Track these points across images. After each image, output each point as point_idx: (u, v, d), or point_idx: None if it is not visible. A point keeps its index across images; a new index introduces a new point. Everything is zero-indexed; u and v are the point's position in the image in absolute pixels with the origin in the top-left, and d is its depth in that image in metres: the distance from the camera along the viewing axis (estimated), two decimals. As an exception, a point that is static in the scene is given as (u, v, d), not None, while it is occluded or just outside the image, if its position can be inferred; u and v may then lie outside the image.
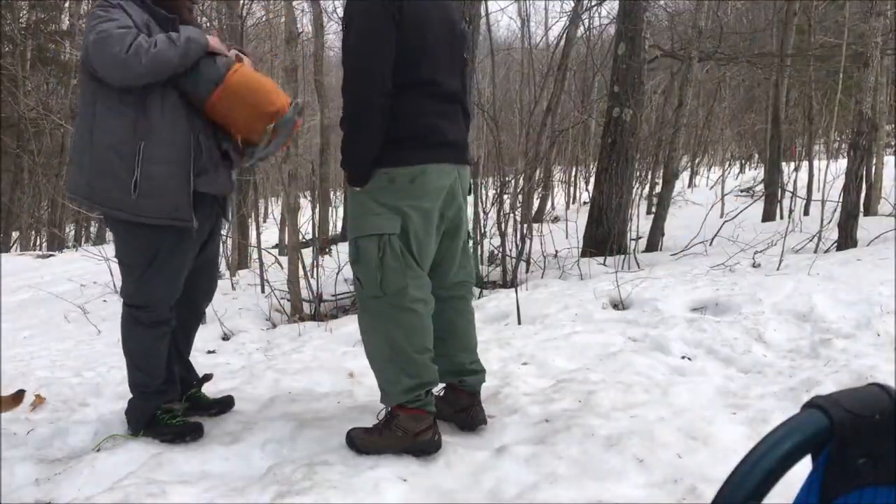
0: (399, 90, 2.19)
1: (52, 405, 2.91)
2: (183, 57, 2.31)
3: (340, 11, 20.85)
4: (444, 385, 2.53)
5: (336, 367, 3.23)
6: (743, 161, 23.00)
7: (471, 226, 2.53)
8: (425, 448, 2.23)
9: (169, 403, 2.57)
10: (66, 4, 18.23)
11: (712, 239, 6.57)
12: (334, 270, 5.58)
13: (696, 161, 19.26)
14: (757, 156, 20.70)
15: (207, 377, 2.80)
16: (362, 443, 2.30)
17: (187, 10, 2.50)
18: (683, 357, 3.17)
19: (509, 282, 5.41)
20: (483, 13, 5.92)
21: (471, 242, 2.54)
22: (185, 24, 2.45)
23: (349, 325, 4.23)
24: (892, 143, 17.55)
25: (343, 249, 6.52)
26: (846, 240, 5.77)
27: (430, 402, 2.29)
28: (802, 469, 0.57)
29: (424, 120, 2.23)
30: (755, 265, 4.90)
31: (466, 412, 2.47)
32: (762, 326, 3.33)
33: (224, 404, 2.75)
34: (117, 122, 2.31)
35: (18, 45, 17.03)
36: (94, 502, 2.11)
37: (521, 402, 2.68)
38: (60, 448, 2.54)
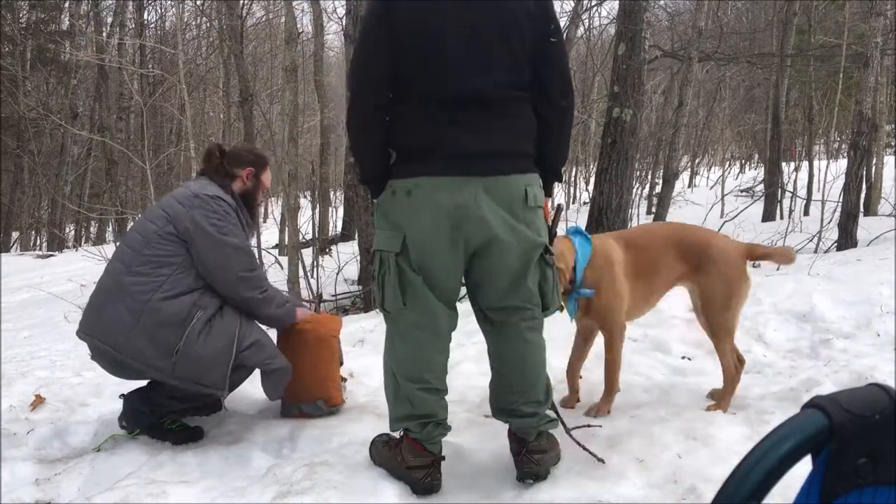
0: (399, 98, 2.04)
1: (52, 405, 2.91)
2: (273, 317, 2.62)
3: (341, 11, 20.86)
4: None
5: (336, 367, 3.22)
6: (743, 161, 23.01)
7: (545, 241, 2.13)
8: (414, 485, 2.08)
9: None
10: (66, 4, 18.22)
11: (712, 239, 6.56)
12: (334, 270, 5.58)
13: (696, 161, 19.27)
14: (757, 156, 20.71)
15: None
16: (374, 450, 2.25)
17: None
18: (683, 357, 3.16)
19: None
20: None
21: (547, 260, 2.13)
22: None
23: (349, 326, 4.23)
24: (892, 143, 17.55)
25: (343, 250, 6.53)
26: (846, 240, 5.77)
27: (429, 437, 2.09)
28: (802, 469, 0.57)
29: (423, 129, 2.01)
30: (755, 265, 4.90)
31: (517, 458, 2.14)
32: (762, 326, 3.33)
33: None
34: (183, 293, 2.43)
35: (18, 45, 17.03)
36: (94, 502, 2.11)
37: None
38: (60, 448, 2.54)
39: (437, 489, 2.09)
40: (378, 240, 2.12)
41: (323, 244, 7.52)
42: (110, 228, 17.62)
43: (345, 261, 5.70)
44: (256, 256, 2.60)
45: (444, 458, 2.14)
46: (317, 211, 7.34)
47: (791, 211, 8.08)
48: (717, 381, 2.82)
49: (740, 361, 2.66)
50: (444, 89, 1.99)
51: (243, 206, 2.62)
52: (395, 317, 2.11)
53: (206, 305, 2.42)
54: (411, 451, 2.10)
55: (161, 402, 2.50)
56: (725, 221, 7.02)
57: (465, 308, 4.50)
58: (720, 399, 2.57)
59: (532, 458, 2.10)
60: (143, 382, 2.55)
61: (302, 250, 5.29)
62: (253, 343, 2.48)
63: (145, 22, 19.12)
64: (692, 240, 2.62)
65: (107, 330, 2.39)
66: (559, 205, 2.40)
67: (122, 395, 2.59)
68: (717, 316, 2.57)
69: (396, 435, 2.20)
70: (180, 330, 2.36)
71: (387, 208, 2.08)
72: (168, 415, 2.54)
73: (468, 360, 3.21)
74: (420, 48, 1.98)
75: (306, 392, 2.67)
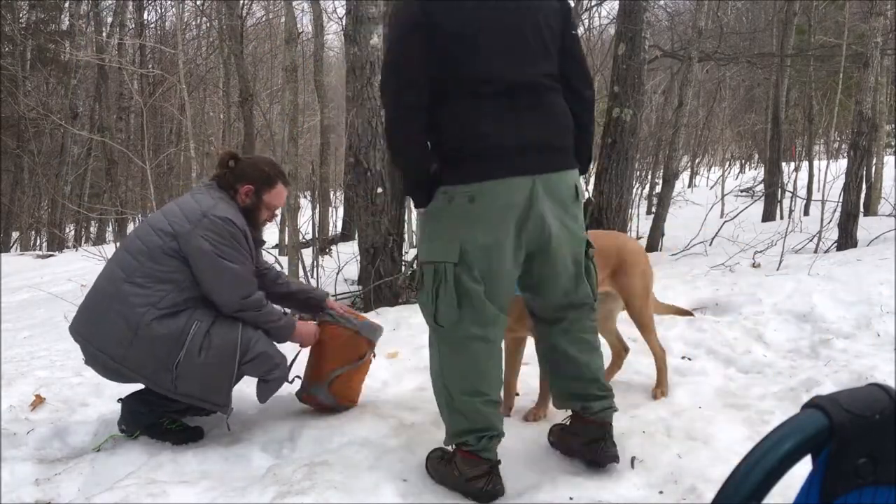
0: (441, 97, 1.96)
1: (52, 405, 2.91)
2: (272, 332, 2.56)
3: (341, 11, 20.85)
4: (568, 414, 2.27)
5: (336, 367, 3.22)
6: (743, 161, 23.00)
7: (584, 237, 2.18)
8: (478, 497, 2.02)
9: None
10: (66, 4, 18.22)
11: (712, 239, 6.57)
12: (334, 270, 5.58)
13: (696, 161, 19.26)
14: (757, 156, 20.70)
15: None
16: (431, 465, 2.17)
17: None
18: (683, 357, 3.16)
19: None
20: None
21: (590, 255, 2.18)
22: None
23: (349, 325, 4.23)
24: (893, 143, 17.55)
25: (343, 250, 6.53)
26: (846, 240, 5.77)
27: (486, 448, 2.04)
28: (802, 469, 0.57)
29: (476, 127, 1.95)
30: (755, 265, 4.90)
31: (596, 445, 2.12)
32: (762, 326, 3.33)
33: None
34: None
35: (18, 45, 17.03)
36: (94, 502, 2.11)
37: (521, 403, 2.68)
38: (60, 448, 2.54)
39: (502, 493, 2.03)
40: (430, 250, 2.03)
41: (323, 244, 7.52)
42: (110, 228, 17.62)
43: (345, 261, 5.69)
44: (256, 282, 2.57)
45: (499, 461, 2.07)
46: (317, 211, 7.34)
47: (791, 211, 8.07)
48: (718, 382, 2.83)
49: (625, 349, 2.92)
50: (486, 81, 1.95)
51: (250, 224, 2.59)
52: (449, 330, 2.02)
53: (203, 318, 2.42)
54: (467, 462, 2.04)
55: (160, 402, 2.49)
56: (725, 221, 7.02)
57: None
58: (660, 385, 2.73)
59: (614, 441, 2.13)
60: (141, 385, 2.55)
61: (302, 250, 5.29)
62: (256, 357, 2.48)
63: (145, 22, 19.13)
64: (606, 244, 2.59)
65: (104, 339, 2.40)
66: (589, 198, 2.42)
67: (120, 399, 2.59)
68: (642, 310, 2.72)
69: (450, 448, 2.14)
70: (179, 343, 2.36)
71: (441, 216, 1.99)
72: (167, 415, 2.54)
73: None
74: (466, 46, 1.95)
75: (325, 380, 2.67)
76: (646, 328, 2.74)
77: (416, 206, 2.09)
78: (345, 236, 9.63)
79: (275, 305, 2.66)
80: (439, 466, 2.14)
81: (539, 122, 2.00)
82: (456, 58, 1.94)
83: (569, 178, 2.05)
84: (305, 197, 8.68)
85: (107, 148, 15.39)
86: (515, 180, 1.94)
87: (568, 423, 2.27)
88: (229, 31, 12.30)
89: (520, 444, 2.33)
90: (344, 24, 6.31)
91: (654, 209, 8.48)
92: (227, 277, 2.44)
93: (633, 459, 2.15)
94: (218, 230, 2.41)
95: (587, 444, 2.14)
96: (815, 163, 11.68)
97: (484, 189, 1.93)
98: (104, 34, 17.25)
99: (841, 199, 6.00)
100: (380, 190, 4.91)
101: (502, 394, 2.20)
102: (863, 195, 7.17)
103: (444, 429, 2.13)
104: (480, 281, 1.97)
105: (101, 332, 2.41)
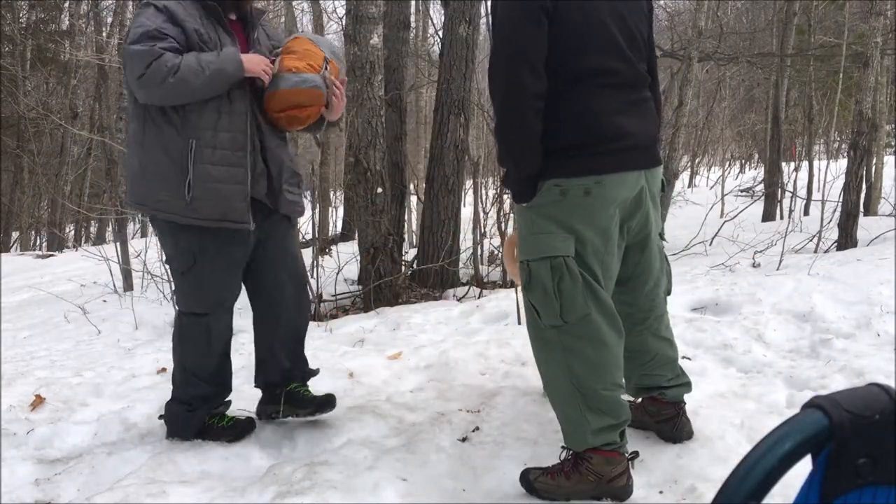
0: (561, 86, 1.90)
1: (52, 405, 2.91)
2: (206, 87, 2.20)
3: (341, 11, 20.83)
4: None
5: (336, 367, 3.23)
6: (743, 161, 23.00)
7: (662, 228, 2.23)
8: (618, 495, 1.97)
9: (217, 409, 2.55)
10: (66, 4, 18.22)
11: (712, 239, 6.57)
12: (334, 270, 5.58)
13: (696, 161, 19.26)
14: (757, 156, 20.71)
15: (313, 372, 2.68)
16: (544, 487, 2.01)
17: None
18: (683, 357, 3.16)
19: (509, 282, 5.41)
20: (483, 13, 5.91)
21: (664, 245, 2.24)
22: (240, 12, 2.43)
23: (349, 326, 4.23)
24: (893, 143, 17.55)
25: (343, 250, 6.53)
26: (846, 240, 5.77)
27: (625, 443, 2.01)
28: (802, 469, 0.57)
29: (598, 119, 1.91)
30: (755, 265, 4.90)
31: (671, 422, 2.24)
32: (762, 326, 3.33)
33: (321, 406, 2.50)
34: (168, 125, 2.27)
35: (18, 45, 17.03)
36: (94, 502, 2.11)
37: (521, 402, 2.68)
38: (60, 448, 2.54)
39: (633, 488, 2.00)
40: (544, 245, 1.94)
41: (323, 244, 7.52)
42: (110, 228, 17.61)
43: (345, 261, 5.69)
44: (155, 48, 2.15)
45: (634, 453, 2.07)
46: (317, 211, 7.34)
47: (791, 211, 8.08)
48: (718, 382, 2.82)
49: None
50: (609, 72, 1.94)
51: None
52: (578, 325, 1.94)
53: (200, 134, 2.26)
54: (608, 462, 1.96)
55: (187, 389, 2.49)
56: (725, 221, 7.02)
57: (466, 308, 4.50)
58: None
59: (689, 418, 2.27)
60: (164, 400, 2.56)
61: (302, 250, 5.28)
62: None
63: (145, 22, 19.07)
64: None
65: (130, 189, 2.40)
66: None
67: (160, 417, 2.60)
68: None
69: (557, 460, 2.06)
70: (182, 161, 2.24)
71: (553, 210, 1.93)
72: (207, 410, 2.52)
73: (469, 360, 3.21)
74: (588, 37, 1.92)
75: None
76: None
77: (519, 202, 2.00)
78: (345, 236, 9.62)
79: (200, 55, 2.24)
80: (557, 481, 2.00)
81: (647, 117, 2.04)
82: (578, 48, 1.91)
83: (661, 172, 2.15)
84: (305, 197, 8.67)
85: (107, 148, 15.36)
86: (630, 175, 1.96)
87: (639, 401, 2.35)
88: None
89: (521, 443, 2.33)
90: (344, 24, 6.31)
91: (654, 209, 8.46)
92: (127, 56, 2.18)
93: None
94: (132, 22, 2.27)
95: (661, 421, 2.27)
96: (815, 163, 11.68)
97: (603, 182, 1.91)
98: (104, 34, 17.24)
99: (841, 199, 6.00)
100: (380, 190, 4.91)
101: None
102: (863, 195, 7.16)
103: (568, 436, 2.03)
104: (598, 273, 1.96)
105: (129, 185, 2.41)
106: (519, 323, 3.97)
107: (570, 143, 1.91)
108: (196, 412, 2.50)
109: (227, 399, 2.61)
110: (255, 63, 2.29)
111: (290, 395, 2.53)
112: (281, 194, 2.42)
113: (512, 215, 6.04)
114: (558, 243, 1.92)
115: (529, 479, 2.04)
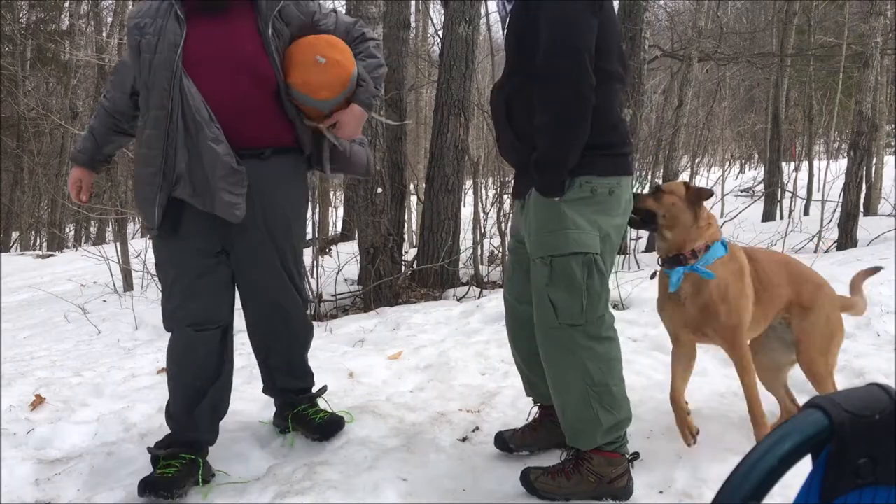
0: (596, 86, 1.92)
1: (52, 405, 2.91)
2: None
3: (341, 11, 20.80)
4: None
5: (336, 367, 3.23)
6: (743, 161, 22.99)
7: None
8: (619, 495, 1.98)
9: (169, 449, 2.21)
10: (66, 4, 18.22)
11: (712, 239, 6.55)
12: (334, 270, 5.58)
13: (696, 161, 19.25)
14: (757, 156, 20.71)
15: (321, 391, 2.57)
16: (545, 487, 2.01)
17: None
18: (683, 357, 3.16)
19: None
20: (483, 13, 5.91)
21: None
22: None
23: (349, 325, 4.23)
24: (893, 143, 17.55)
25: (343, 250, 6.53)
26: (846, 240, 5.77)
27: (626, 442, 2.04)
28: (802, 469, 0.57)
29: (619, 122, 1.99)
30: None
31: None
32: (762, 326, 3.33)
33: (327, 433, 2.44)
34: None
35: (18, 45, 17.04)
36: (94, 502, 2.11)
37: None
38: (60, 448, 2.54)
39: (633, 489, 2.02)
40: (574, 241, 1.91)
41: (323, 244, 7.52)
42: (110, 228, 17.62)
43: (345, 261, 5.70)
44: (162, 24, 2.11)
45: (634, 454, 2.09)
46: (317, 211, 7.34)
47: (791, 211, 8.08)
48: (718, 382, 2.82)
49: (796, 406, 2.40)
50: (622, 79, 2.00)
51: None
52: (597, 323, 1.95)
53: (139, 134, 2.22)
54: (609, 463, 1.98)
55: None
56: (725, 221, 7.02)
57: (466, 308, 4.49)
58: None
59: None
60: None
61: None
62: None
63: (145, 22, 19.08)
64: (801, 271, 2.33)
65: None
66: None
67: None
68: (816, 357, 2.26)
69: (556, 460, 2.08)
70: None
71: (583, 206, 1.92)
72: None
73: (469, 360, 3.21)
74: (614, 41, 1.96)
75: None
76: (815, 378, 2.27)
77: (552, 195, 1.93)
78: (345, 236, 9.62)
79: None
80: (558, 481, 2.01)
81: None
82: (607, 51, 1.93)
83: None
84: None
85: (107, 148, 15.38)
86: (630, 178, 2.04)
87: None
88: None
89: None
90: (344, 24, 6.30)
91: (654, 209, 8.46)
92: None
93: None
94: None
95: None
96: (815, 163, 11.69)
97: (621, 184, 1.96)
98: (104, 34, 17.25)
99: (841, 199, 6.00)
100: (380, 190, 4.91)
101: None
102: (863, 195, 7.17)
103: (577, 435, 2.01)
104: (608, 271, 1.99)
105: None
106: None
107: (601, 141, 1.92)
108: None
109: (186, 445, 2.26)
110: (70, 182, 2.45)
111: (298, 418, 2.49)
112: (216, 195, 2.09)
113: (511, 214, 6.04)
114: (589, 240, 1.91)
115: (530, 479, 2.04)
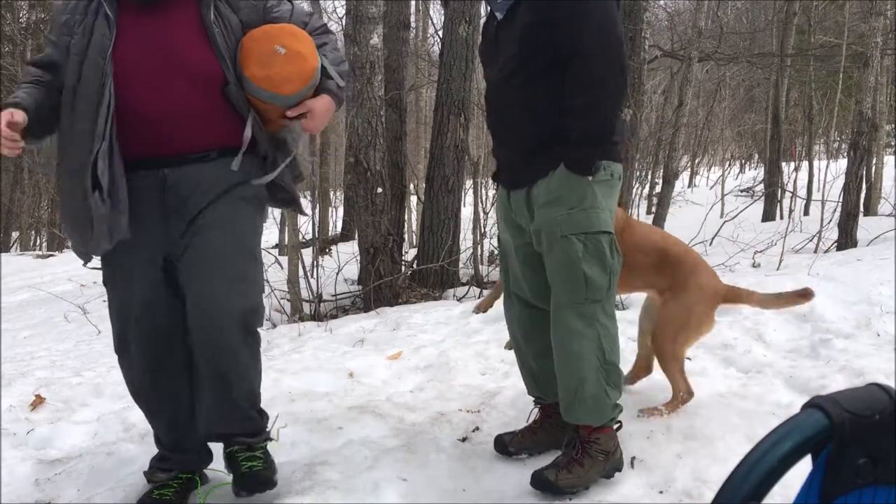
0: None
1: (52, 405, 2.91)
2: None
3: (341, 11, 20.82)
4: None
5: (336, 366, 3.23)
6: (743, 161, 23.00)
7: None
8: (618, 466, 2.08)
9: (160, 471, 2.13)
10: (66, 4, 18.22)
11: (712, 239, 6.57)
12: (334, 270, 5.58)
13: (696, 161, 19.27)
14: (757, 156, 20.71)
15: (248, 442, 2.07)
16: (567, 482, 2.00)
17: None
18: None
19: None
20: (483, 13, 5.92)
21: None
22: None
23: (349, 325, 4.23)
24: (893, 143, 17.55)
25: (343, 250, 6.53)
26: (846, 240, 5.77)
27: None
28: (802, 469, 0.57)
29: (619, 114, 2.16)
30: (755, 265, 4.90)
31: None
32: (762, 326, 3.33)
33: (251, 488, 2.01)
34: None
35: (18, 45, 17.03)
36: (94, 502, 2.11)
37: (521, 402, 2.68)
38: (60, 448, 2.54)
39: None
40: (600, 220, 2.02)
41: (323, 244, 7.52)
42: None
43: (345, 261, 5.70)
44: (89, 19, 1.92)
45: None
46: (317, 211, 7.34)
47: (791, 211, 8.08)
48: (718, 382, 2.82)
49: (689, 393, 2.51)
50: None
51: None
52: (608, 301, 2.07)
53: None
54: (611, 438, 2.08)
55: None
56: (725, 221, 7.02)
57: (466, 308, 4.49)
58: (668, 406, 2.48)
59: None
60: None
61: (302, 250, 5.29)
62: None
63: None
64: (677, 256, 2.51)
65: None
66: None
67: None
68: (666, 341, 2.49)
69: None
70: None
71: (605, 189, 2.04)
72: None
73: (469, 360, 3.21)
74: None
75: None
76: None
77: (587, 173, 1.99)
78: (345, 236, 9.63)
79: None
80: (576, 473, 2.02)
81: None
82: None
83: None
84: (305, 197, 8.67)
85: (107, 148, 15.37)
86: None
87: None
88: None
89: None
90: (344, 24, 6.31)
91: (653, 209, 8.47)
92: None
93: (633, 459, 2.15)
94: None
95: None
96: (815, 163, 11.69)
97: (619, 171, 2.10)
98: (104, 34, 17.24)
99: (841, 199, 6.00)
100: (380, 190, 4.92)
101: None
102: (863, 195, 7.17)
103: (590, 412, 2.04)
104: None
105: None
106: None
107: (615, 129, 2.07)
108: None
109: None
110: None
111: (229, 459, 2.06)
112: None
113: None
114: (610, 220, 2.05)
115: (550, 480, 2.01)
